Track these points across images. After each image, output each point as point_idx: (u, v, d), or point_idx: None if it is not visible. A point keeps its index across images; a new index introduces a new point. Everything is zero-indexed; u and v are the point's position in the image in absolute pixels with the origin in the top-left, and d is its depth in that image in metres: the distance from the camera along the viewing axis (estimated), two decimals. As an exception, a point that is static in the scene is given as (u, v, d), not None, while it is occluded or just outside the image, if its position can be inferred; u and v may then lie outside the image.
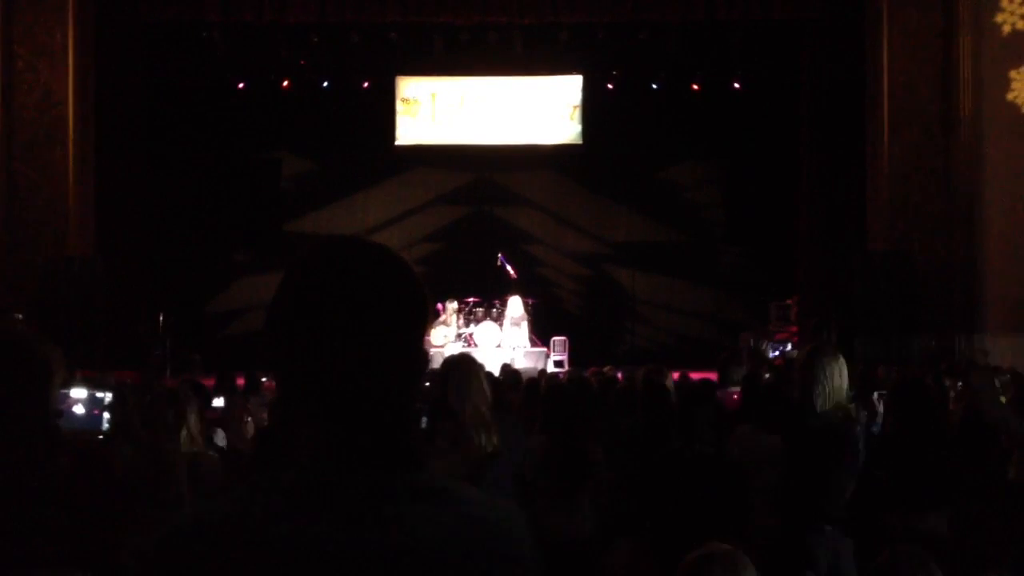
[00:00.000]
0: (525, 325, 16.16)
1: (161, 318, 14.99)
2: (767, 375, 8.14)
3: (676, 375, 7.91)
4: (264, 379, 8.56)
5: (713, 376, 7.67)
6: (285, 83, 17.48)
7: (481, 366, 4.48)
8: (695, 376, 8.89)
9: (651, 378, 5.75)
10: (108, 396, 5.46)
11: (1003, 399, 6.39)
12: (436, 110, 17.98)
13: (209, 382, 8.01)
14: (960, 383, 7.84)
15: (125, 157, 15.03)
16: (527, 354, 15.75)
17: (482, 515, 1.28)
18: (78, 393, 5.58)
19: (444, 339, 15.84)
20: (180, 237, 17.39)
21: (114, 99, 14.66)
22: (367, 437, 1.26)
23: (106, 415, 5.42)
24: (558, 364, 15.57)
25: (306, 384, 1.27)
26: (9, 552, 1.52)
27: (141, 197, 15.60)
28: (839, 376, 4.28)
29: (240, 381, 8.61)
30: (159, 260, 16.33)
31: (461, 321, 16.28)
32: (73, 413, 5.40)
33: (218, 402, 7.36)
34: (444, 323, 16.06)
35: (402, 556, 1.22)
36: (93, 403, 5.50)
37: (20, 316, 10.80)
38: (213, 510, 1.27)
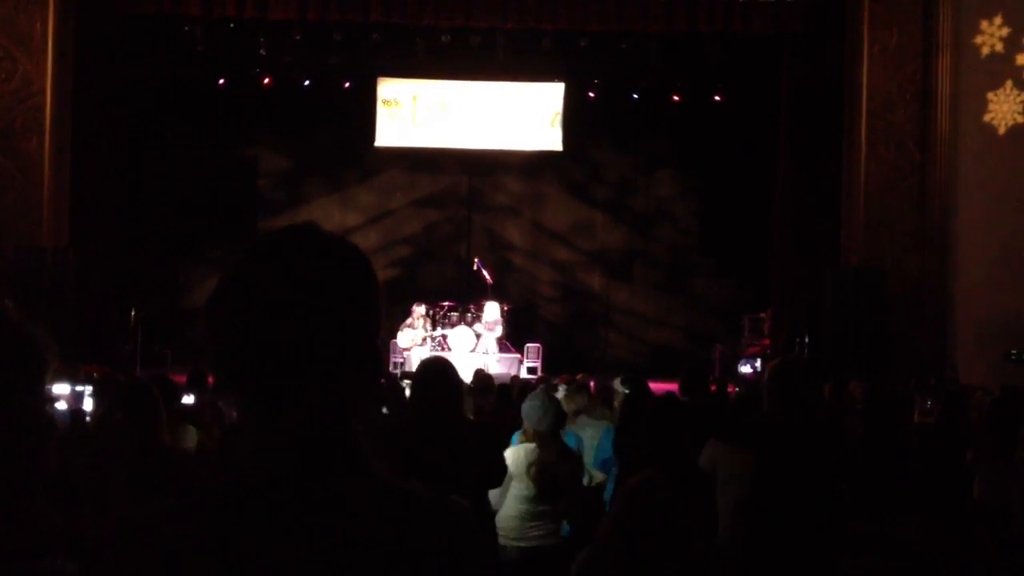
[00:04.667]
0: (499, 330, 16.15)
1: (132, 312, 14.87)
2: (736, 389, 8.19)
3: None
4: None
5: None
6: (266, 80, 17.41)
7: (456, 370, 4.47)
8: (656, 387, 8.85)
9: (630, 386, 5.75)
10: (88, 389, 5.45)
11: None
12: (416, 112, 17.94)
13: (180, 379, 7.94)
14: (929, 401, 7.89)
15: (102, 149, 14.90)
16: (500, 360, 15.75)
17: (422, 506, 1.23)
18: (60, 389, 5.56)
19: (411, 342, 15.77)
20: (154, 231, 17.28)
21: (93, 91, 14.52)
22: (307, 432, 1.21)
23: (87, 408, 5.41)
24: (531, 371, 15.57)
25: (244, 374, 1.23)
26: (0, 542, 1.51)
27: (117, 190, 15.47)
28: (809, 389, 4.29)
29: (211, 379, 8.55)
30: (132, 254, 16.19)
31: (429, 325, 16.20)
32: (55, 408, 5.38)
33: (188, 399, 7.30)
34: (411, 326, 15.97)
35: (329, 558, 1.18)
36: (75, 398, 5.49)
37: (11, 304, 10.71)
38: (152, 510, 1.23)
